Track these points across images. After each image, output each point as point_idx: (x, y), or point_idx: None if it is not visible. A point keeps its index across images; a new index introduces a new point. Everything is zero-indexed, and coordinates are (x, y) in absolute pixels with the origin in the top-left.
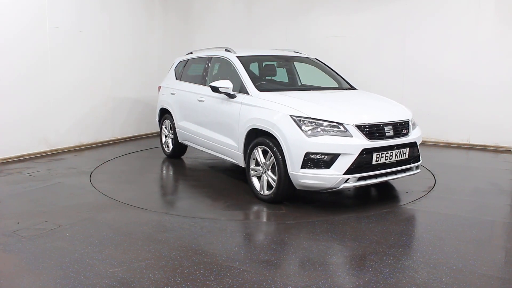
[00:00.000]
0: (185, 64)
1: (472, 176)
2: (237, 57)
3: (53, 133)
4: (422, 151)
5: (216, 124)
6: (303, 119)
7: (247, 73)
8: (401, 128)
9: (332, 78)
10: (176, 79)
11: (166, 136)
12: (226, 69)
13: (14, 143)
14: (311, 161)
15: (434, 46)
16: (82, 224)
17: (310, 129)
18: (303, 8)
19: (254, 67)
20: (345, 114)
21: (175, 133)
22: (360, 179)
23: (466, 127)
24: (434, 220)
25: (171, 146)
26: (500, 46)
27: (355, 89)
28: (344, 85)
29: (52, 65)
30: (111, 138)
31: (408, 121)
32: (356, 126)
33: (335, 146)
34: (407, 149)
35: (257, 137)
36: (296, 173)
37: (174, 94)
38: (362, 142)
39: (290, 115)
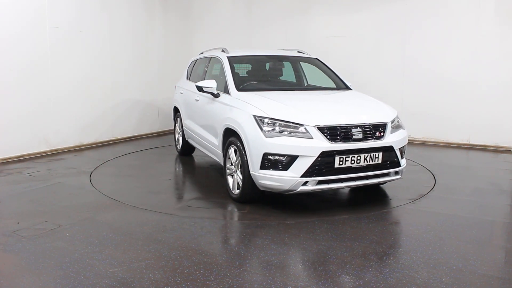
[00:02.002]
0: (194, 64)
1: (472, 176)
2: (227, 57)
3: (53, 133)
4: (422, 151)
5: (205, 123)
6: (265, 119)
7: (232, 73)
8: (373, 130)
9: (330, 78)
10: (186, 78)
11: (178, 134)
12: (220, 69)
13: (14, 143)
14: (269, 162)
15: (434, 46)
16: (82, 224)
17: (270, 130)
18: (303, 8)
19: (247, 67)
20: (307, 115)
21: (183, 131)
22: (321, 182)
23: (466, 127)
24: (434, 220)
25: (181, 144)
26: (500, 46)
27: (350, 89)
28: (340, 85)
29: (52, 65)
30: (111, 138)
31: (385, 124)
32: (317, 127)
33: (292, 148)
34: (380, 153)
35: (230, 137)
36: (256, 174)
37: (182, 93)
38: (322, 145)
39: (254, 115)
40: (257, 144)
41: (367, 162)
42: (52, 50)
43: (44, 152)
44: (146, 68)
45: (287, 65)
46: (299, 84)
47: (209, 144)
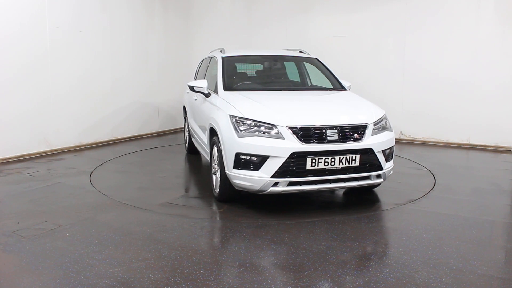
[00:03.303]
0: (201, 64)
1: (472, 176)
2: (222, 57)
3: (53, 133)
4: (422, 151)
5: (199, 123)
6: (239, 119)
7: (222, 73)
8: (351, 132)
9: (327, 78)
10: (194, 78)
11: (186, 132)
12: (216, 69)
13: (14, 143)
14: (241, 161)
15: (434, 46)
16: (82, 224)
17: (243, 130)
18: (303, 8)
19: (243, 67)
20: (281, 116)
21: (189, 130)
22: (293, 184)
23: (466, 127)
24: (434, 220)
25: (188, 143)
26: (500, 46)
27: (345, 89)
28: (336, 85)
29: (52, 65)
30: (111, 138)
31: (364, 126)
32: (289, 128)
33: (263, 148)
34: (358, 155)
35: (214, 136)
36: (230, 173)
37: (188, 93)
38: (293, 145)
39: (230, 115)
40: (230, 143)
41: (342, 164)
42: (52, 50)
43: (44, 152)
44: (146, 68)
45: (285, 65)
46: (292, 84)
47: (202, 143)
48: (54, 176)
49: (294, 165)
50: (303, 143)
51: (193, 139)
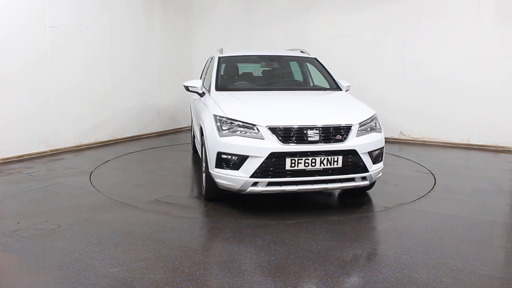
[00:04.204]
0: (205, 63)
1: (472, 176)
2: (218, 57)
3: (53, 133)
4: (422, 151)
5: (195, 122)
6: (222, 119)
7: (216, 73)
8: (334, 133)
9: (325, 78)
10: (200, 77)
11: (192, 131)
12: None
13: (14, 143)
14: (223, 161)
15: (434, 46)
16: (82, 224)
17: (226, 129)
18: (303, 8)
19: (240, 67)
20: (262, 116)
21: (192, 129)
22: (273, 184)
23: (466, 127)
24: (434, 220)
25: (192, 141)
26: (500, 46)
27: (340, 90)
28: (332, 85)
29: (52, 65)
30: (111, 138)
31: (348, 126)
32: (269, 128)
33: (243, 148)
34: (340, 156)
35: (203, 135)
36: (212, 172)
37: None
38: (272, 146)
39: (213, 115)
40: (213, 142)
41: (324, 165)
42: (52, 50)
43: (44, 152)
44: (146, 68)
45: (283, 65)
46: (286, 85)
47: (198, 142)
48: (54, 176)
49: (273, 165)
50: (283, 143)
51: (195, 138)
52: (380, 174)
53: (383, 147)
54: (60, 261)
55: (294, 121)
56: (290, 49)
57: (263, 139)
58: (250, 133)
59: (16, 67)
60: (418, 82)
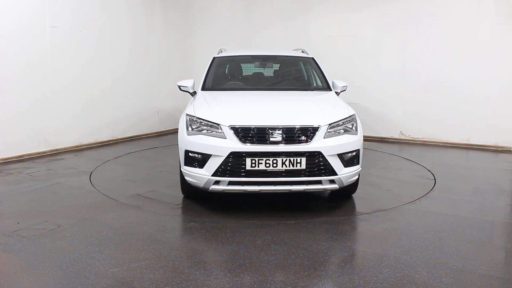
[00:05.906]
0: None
1: (472, 176)
2: (214, 57)
3: (53, 133)
4: (422, 151)
5: None
6: (193, 118)
7: (207, 73)
8: (299, 134)
9: (319, 78)
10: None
11: None
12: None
13: (14, 143)
14: (190, 158)
15: (434, 46)
16: (82, 224)
17: (194, 128)
18: (303, 8)
19: (233, 67)
20: (226, 115)
21: None
22: (234, 183)
23: (466, 127)
24: (434, 220)
25: None
26: (500, 46)
27: (330, 90)
28: (324, 85)
29: (52, 65)
30: (111, 138)
31: (316, 128)
32: (231, 128)
33: (206, 147)
34: (303, 158)
35: None
36: (182, 170)
37: None
38: (232, 145)
39: (186, 114)
40: (182, 141)
41: (286, 166)
42: (52, 50)
43: (44, 152)
44: (146, 68)
45: (279, 65)
46: (273, 84)
47: None
48: (54, 176)
49: (233, 165)
50: (243, 143)
51: None
52: (355, 177)
53: (358, 150)
54: (60, 261)
55: (256, 122)
56: (293, 49)
57: (225, 138)
58: (215, 132)
59: (16, 67)
60: (418, 82)
